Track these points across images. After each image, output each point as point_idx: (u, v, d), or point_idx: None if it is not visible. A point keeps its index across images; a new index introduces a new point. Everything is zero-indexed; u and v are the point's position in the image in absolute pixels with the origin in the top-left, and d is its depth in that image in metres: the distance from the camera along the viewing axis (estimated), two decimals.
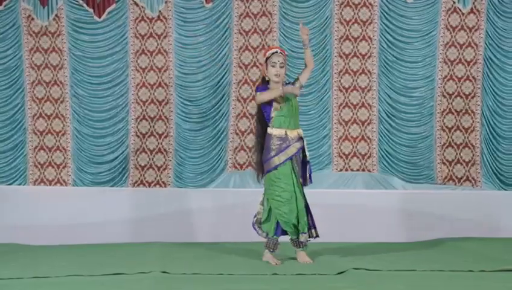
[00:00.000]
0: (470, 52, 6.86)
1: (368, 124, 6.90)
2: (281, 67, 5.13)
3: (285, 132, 5.13)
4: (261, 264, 5.03)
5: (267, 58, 5.15)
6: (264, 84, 5.20)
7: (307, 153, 5.19)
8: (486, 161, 6.88)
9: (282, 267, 4.92)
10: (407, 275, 4.60)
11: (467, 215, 6.72)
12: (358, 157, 6.91)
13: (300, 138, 5.18)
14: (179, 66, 6.83)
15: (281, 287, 4.19)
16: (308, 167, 5.22)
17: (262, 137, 5.24)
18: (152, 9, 6.82)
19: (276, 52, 5.15)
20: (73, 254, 5.68)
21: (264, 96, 5.13)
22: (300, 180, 5.17)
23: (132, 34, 6.83)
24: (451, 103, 6.89)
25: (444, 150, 6.90)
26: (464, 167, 6.90)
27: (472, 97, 6.89)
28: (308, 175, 5.21)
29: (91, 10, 6.78)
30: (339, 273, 4.63)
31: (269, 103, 5.14)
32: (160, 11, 6.82)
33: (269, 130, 5.16)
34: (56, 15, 6.80)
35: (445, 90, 6.88)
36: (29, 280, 4.38)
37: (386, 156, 6.88)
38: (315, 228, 5.26)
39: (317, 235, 5.26)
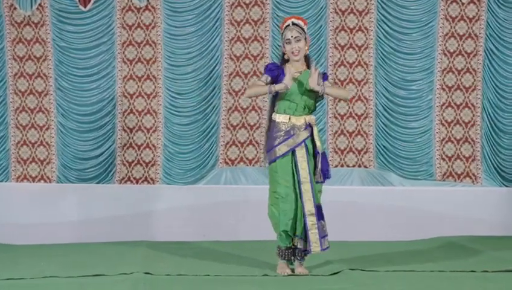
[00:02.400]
0: (470, 44, 6.67)
1: (365, 118, 6.70)
2: (297, 41, 4.43)
3: (290, 118, 4.48)
4: (252, 265, 4.79)
5: (282, 35, 4.51)
6: (282, 63, 4.55)
7: (318, 143, 4.52)
8: (487, 156, 6.69)
9: (272, 268, 4.68)
10: (405, 276, 4.42)
11: (467, 213, 6.57)
12: (354, 153, 6.71)
13: (309, 126, 4.51)
14: (167, 57, 6.62)
15: (272, 289, 3.98)
16: (318, 158, 4.49)
17: (271, 120, 4.60)
18: None
19: (288, 25, 4.48)
20: (54, 253, 5.48)
21: (249, 92, 4.58)
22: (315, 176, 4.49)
23: (119, 24, 6.62)
24: (451, 96, 6.70)
25: (444, 145, 6.71)
26: (464, 163, 6.71)
27: (472, 90, 6.70)
28: (319, 169, 4.49)
29: None
30: (333, 274, 4.45)
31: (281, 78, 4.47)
32: (148, 1, 6.62)
33: (273, 115, 4.55)
34: (40, 4, 6.58)
35: (444, 83, 6.68)
36: (3, 281, 4.14)
37: (383, 151, 6.69)
38: (323, 237, 4.51)
39: (324, 248, 4.50)
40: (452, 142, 6.73)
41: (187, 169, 6.64)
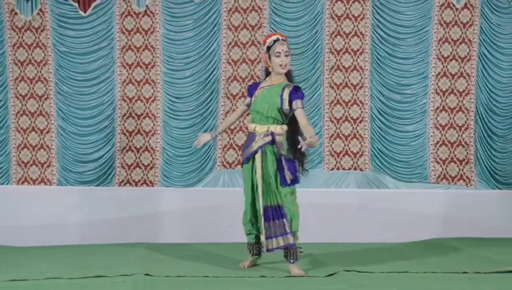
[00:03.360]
0: (464, 49, 6.75)
1: (360, 121, 6.78)
2: (286, 56, 4.71)
3: (255, 127, 4.79)
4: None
5: (269, 48, 4.74)
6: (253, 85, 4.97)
7: (282, 151, 4.68)
8: (481, 159, 6.77)
9: (270, 269, 4.76)
10: (399, 278, 4.50)
11: (461, 215, 6.64)
12: (350, 156, 6.79)
13: (271, 134, 4.71)
14: (166, 62, 6.69)
15: None
16: (283, 164, 4.67)
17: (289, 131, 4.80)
18: (139, 4, 6.67)
19: (278, 39, 4.74)
20: (55, 255, 5.55)
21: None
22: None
23: (118, 29, 6.69)
24: (445, 100, 6.78)
25: (438, 149, 6.79)
26: (458, 166, 6.79)
27: (466, 94, 6.78)
28: (284, 174, 4.66)
29: (76, 4, 6.63)
30: (328, 275, 4.52)
31: (251, 94, 4.88)
32: (147, 6, 6.68)
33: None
34: (40, 9, 6.65)
35: (438, 87, 6.77)
36: (6, 283, 4.22)
37: (379, 154, 6.76)
38: (271, 238, 4.70)
39: (269, 249, 4.72)
40: (446, 145, 6.81)
41: (185, 172, 6.71)
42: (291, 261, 4.67)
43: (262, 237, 4.68)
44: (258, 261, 4.95)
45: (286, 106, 4.69)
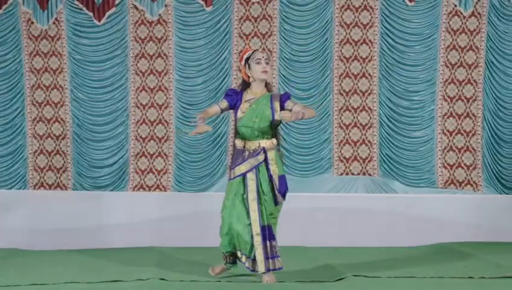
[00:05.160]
0: (471, 56, 6.82)
1: (369, 127, 6.87)
2: (267, 63, 4.64)
3: (245, 143, 4.65)
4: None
5: (248, 58, 4.65)
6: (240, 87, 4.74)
7: (272, 167, 4.59)
8: (488, 164, 6.84)
9: (280, 274, 4.88)
10: (406, 282, 4.58)
11: (468, 220, 6.71)
12: (358, 161, 6.89)
13: (264, 151, 4.62)
14: (179, 69, 6.82)
15: None
16: (274, 182, 4.59)
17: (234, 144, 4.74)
18: (152, 13, 6.80)
19: (257, 49, 4.73)
20: (71, 259, 5.69)
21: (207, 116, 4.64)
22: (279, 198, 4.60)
23: (132, 37, 6.82)
24: (453, 107, 6.86)
25: (445, 154, 6.87)
26: (465, 171, 6.87)
27: (473, 101, 6.86)
28: (278, 191, 4.58)
29: (91, 14, 6.77)
30: (337, 280, 4.61)
31: (236, 107, 4.68)
32: (160, 15, 6.81)
33: (235, 140, 4.73)
34: (56, 19, 6.79)
35: (446, 93, 6.85)
36: (27, 287, 4.37)
37: (387, 159, 6.85)
38: (272, 258, 4.57)
39: (270, 269, 4.53)
40: (454, 151, 6.89)
41: (198, 177, 6.84)
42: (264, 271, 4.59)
43: (259, 257, 4.51)
44: (231, 269, 4.79)
45: (278, 117, 4.60)
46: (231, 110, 4.79)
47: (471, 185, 6.86)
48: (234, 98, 4.71)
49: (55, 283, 4.48)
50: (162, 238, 6.55)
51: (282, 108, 4.63)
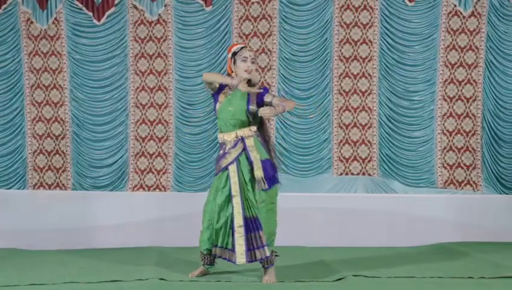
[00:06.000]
0: (471, 56, 6.83)
1: (369, 127, 6.88)
2: (252, 62, 4.66)
3: (223, 135, 4.68)
4: (260, 271, 4.99)
5: (235, 53, 4.67)
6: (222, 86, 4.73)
7: (251, 154, 4.57)
8: (487, 164, 6.85)
9: (280, 274, 4.88)
10: (406, 282, 4.59)
11: (468, 220, 6.72)
12: (358, 161, 6.89)
13: (241, 140, 4.63)
14: (178, 69, 6.82)
15: None
16: (255, 167, 4.55)
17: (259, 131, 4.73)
18: (151, 13, 6.80)
19: (245, 47, 4.71)
20: (71, 259, 5.68)
21: (208, 77, 4.67)
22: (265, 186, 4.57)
23: (131, 37, 6.82)
24: (452, 107, 6.87)
25: (445, 154, 6.87)
26: (465, 171, 6.87)
27: (473, 101, 6.86)
28: (262, 177, 4.54)
29: (90, 13, 6.77)
30: (337, 280, 4.61)
31: (215, 98, 4.73)
32: (159, 15, 6.81)
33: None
34: (55, 18, 6.79)
35: (446, 93, 6.85)
36: (26, 287, 4.37)
37: (387, 159, 6.86)
38: (254, 249, 4.55)
39: (251, 260, 4.54)
40: (453, 151, 6.89)
41: (197, 177, 6.84)
42: (267, 266, 4.64)
43: (240, 249, 4.51)
44: (209, 270, 4.80)
45: (253, 106, 4.61)
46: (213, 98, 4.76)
47: (471, 185, 6.87)
48: (219, 91, 4.75)
49: (54, 283, 4.48)
50: (162, 238, 6.56)
51: (259, 100, 4.64)
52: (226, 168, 4.64)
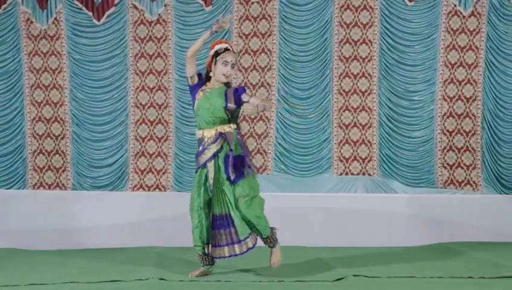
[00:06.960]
0: (471, 56, 6.83)
1: (368, 127, 6.88)
2: (232, 68, 4.66)
3: (202, 132, 4.67)
4: (261, 270, 4.99)
5: (218, 54, 4.65)
6: (200, 81, 4.70)
7: (231, 147, 4.58)
8: (488, 164, 6.85)
9: (279, 273, 4.88)
10: (406, 282, 4.58)
11: (468, 220, 6.72)
12: (358, 161, 6.89)
13: (221, 135, 4.63)
14: (178, 69, 6.82)
15: None
16: (229, 160, 4.57)
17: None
18: (151, 13, 6.80)
19: (229, 49, 4.67)
20: (71, 259, 5.68)
21: (193, 47, 4.64)
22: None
23: (131, 37, 6.83)
24: (452, 107, 6.87)
25: (445, 154, 6.87)
26: (465, 171, 6.88)
27: (473, 101, 6.86)
28: (232, 168, 4.56)
29: (90, 13, 6.78)
30: (337, 279, 4.61)
31: (193, 94, 4.70)
32: (159, 15, 6.81)
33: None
34: (55, 18, 6.80)
35: (446, 93, 6.85)
36: (26, 287, 4.36)
37: (387, 159, 6.86)
38: (218, 246, 4.65)
39: (216, 257, 4.67)
40: (453, 150, 6.89)
41: None
42: (271, 245, 4.74)
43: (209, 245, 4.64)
44: (210, 270, 4.80)
45: (232, 104, 4.61)
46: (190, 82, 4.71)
47: (471, 185, 6.87)
48: (200, 82, 4.72)
49: (54, 282, 4.48)
50: (162, 238, 6.56)
51: (237, 99, 4.63)
52: (205, 165, 4.65)
